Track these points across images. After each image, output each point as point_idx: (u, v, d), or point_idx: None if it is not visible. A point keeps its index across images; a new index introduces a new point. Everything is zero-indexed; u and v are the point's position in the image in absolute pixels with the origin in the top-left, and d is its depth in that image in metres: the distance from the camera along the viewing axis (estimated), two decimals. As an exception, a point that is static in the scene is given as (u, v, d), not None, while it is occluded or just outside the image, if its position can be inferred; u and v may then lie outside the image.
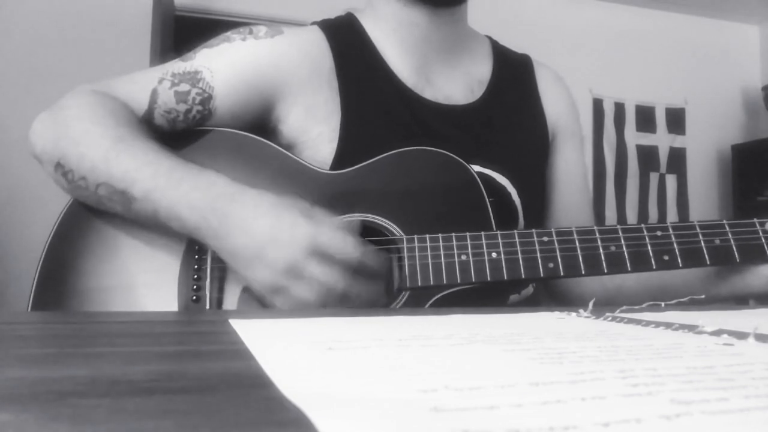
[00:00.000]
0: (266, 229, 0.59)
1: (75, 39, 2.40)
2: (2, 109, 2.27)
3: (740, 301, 0.75)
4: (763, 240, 0.66)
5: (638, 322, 0.35)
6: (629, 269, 0.64)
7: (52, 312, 0.64)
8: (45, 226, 0.69)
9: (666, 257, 0.65)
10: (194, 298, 0.66)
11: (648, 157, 3.30)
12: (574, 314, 0.41)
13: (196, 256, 0.67)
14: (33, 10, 2.39)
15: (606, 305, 0.45)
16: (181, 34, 2.57)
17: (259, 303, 0.64)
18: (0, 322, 0.41)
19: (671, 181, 3.33)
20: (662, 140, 3.33)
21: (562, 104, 0.89)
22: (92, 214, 0.69)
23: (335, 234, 0.59)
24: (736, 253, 0.65)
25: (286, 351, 0.25)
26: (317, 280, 0.57)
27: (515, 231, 0.66)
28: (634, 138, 3.29)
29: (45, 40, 2.37)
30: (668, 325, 0.32)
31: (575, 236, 0.65)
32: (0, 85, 2.31)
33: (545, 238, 0.65)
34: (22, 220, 2.16)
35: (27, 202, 2.13)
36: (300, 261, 0.57)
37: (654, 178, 3.31)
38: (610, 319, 0.38)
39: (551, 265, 0.64)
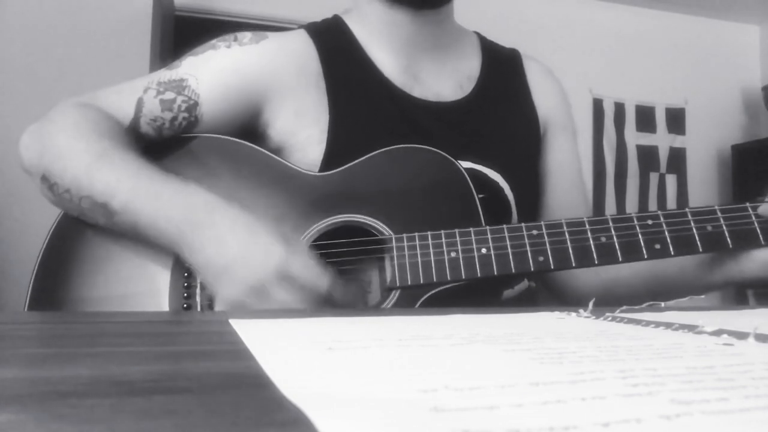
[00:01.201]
0: (240, 245, 0.59)
1: (75, 39, 2.40)
2: (2, 109, 2.27)
3: (739, 295, 0.74)
4: (756, 225, 0.65)
5: (638, 322, 0.35)
6: (620, 259, 0.64)
7: (52, 312, 0.65)
8: (43, 228, 0.70)
9: (657, 246, 0.64)
10: (185, 305, 0.66)
11: (648, 157, 3.30)
12: (574, 314, 0.41)
13: (186, 264, 0.67)
14: (33, 11, 2.39)
15: (603, 297, 0.45)
16: (181, 34, 2.57)
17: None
18: (0, 322, 0.41)
19: (671, 181, 3.33)
20: (662, 140, 3.33)
21: (553, 97, 0.89)
22: (82, 225, 0.69)
23: (307, 263, 0.59)
24: (728, 239, 0.64)
25: (286, 351, 0.25)
26: (281, 306, 0.57)
27: (504, 226, 0.65)
28: (634, 138, 3.29)
29: (45, 40, 2.38)
30: (668, 325, 0.32)
31: (565, 228, 0.64)
32: (0, 85, 2.31)
33: (535, 232, 0.64)
34: (22, 222, 2.16)
35: (26, 203, 2.13)
36: (267, 284, 0.57)
37: (654, 178, 3.31)
38: (610, 319, 0.38)
39: (541, 258, 0.63)
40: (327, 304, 0.59)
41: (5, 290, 2.03)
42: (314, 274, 0.59)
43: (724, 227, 0.64)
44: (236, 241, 0.59)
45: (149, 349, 0.29)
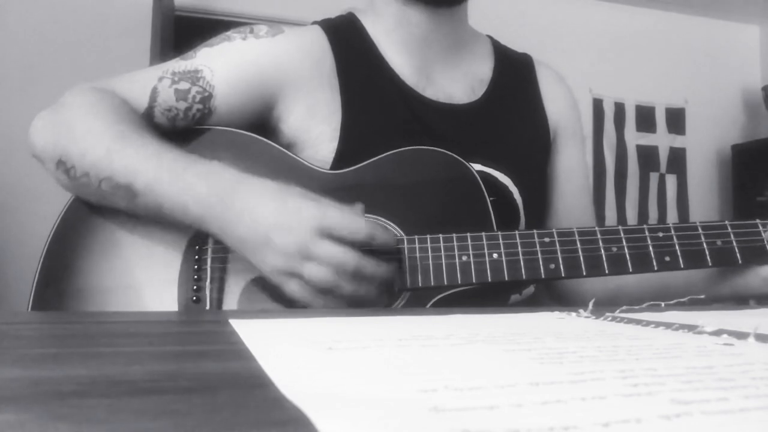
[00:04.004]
0: (272, 214, 0.59)
1: (75, 39, 2.40)
2: (2, 108, 2.27)
3: (741, 301, 0.75)
4: (766, 241, 0.66)
5: (638, 322, 0.35)
6: (630, 270, 0.64)
7: (52, 312, 0.64)
8: (45, 226, 0.69)
9: (667, 258, 0.64)
10: (194, 298, 0.66)
11: (648, 157, 3.30)
12: (574, 314, 0.41)
13: (197, 256, 0.67)
14: (33, 10, 2.39)
15: (607, 306, 0.45)
16: (181, 34, 2.57)
17: (267, 296, 0.64)
18: (0, 322, 0.41)
19: (671, 181, 3.33)
20: (662, 140, 3.33)
21: (564, 104, 0.89)
22: (92, 214, 0.69)
23: (342, 214, 0.59)
24: (738, 254, 0.65)
25: (286, 351, 0.25)
26: (329, 260, 0.57)
27: (516, 231, 0.65)
28: (634, 138, 3.29)
29: (45, 40, 2.37)
30: (668, 325, 0.32)
31: (576, 237, 0.65)
32: (0, 85, 2.31)
33: (546, 239, 0.65)
34: (22, 220, 2.16)
35: (27, 201, 2.13)
36: (309, 243, 0.57)
37: (654, 178, 3.31)
38: (610, 319, 0.38)
39: (552, 266, 0.64)
40: (371, 245, 0.59)
41: (6, 290, 2.03)
42: (351, 220, 0.59)
43: (734, 242, 0.65)
44: (267, 210, 0.59)
45: (149, 349, 0.29)
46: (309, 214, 0.58)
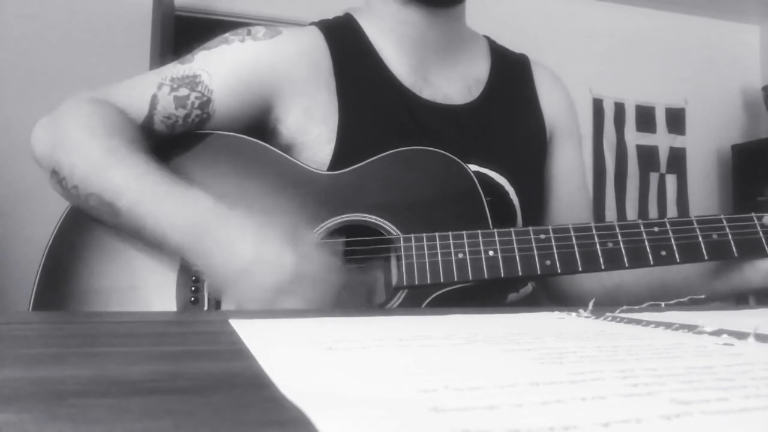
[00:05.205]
0: (251, 250, 0.59)
1: (75, 39, 2.40)
2: (3, 109, 2.27)
3: (740, 298, 0.75)
4: (761, 234, 0.66)
5: (638, 322, 0.35)
6: (626, 265, 0.64)
7: (52, 312, 0.65)
8: (46, 227, 0.70)
9: (663, 252, 0.64)
10: (192, 299, 0.66)
11: (648, 157, 3.30)
12: (574, 314, 0.41)
13: (193, 268, 0.67)
14: (33, 11, 2.39)
15: (606, 305, 0.46)
16: (181, 34, 2.57)
17: None
18: (0, 322, 0.41)
19: (671, 181, 3.33)
20: (662, 140, 3.33)
21: (560, 104, 0.89)
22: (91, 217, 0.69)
23: (320, 263, 0.59)
24: (734, 247, 0.65)
25: (286, 351, 0.25)
26: (306, 296, 0.58)
27: (512, 229, 0.65)
28: (634, 138, 3.29)
29: (45, 40, 2.37)
30: (668, 325, 0.32)
31: (572, 233, 0.65)
32: (0, 85, 2.31)
33: (542, 236, 0.65)
34: (23, 221, 2.16)
35: (27, 202, 2.13)
36: (287, 282, 0.58)
37: (654, 178, 3.31)
38: (610, 319, 0.38)
39: (548, 262, 0.64)
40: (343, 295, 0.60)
41: (6, 290, 2.03)
42: (328, 269, 0.59)
43: (730, 236, 0.65)
44: (246, 246, 0.59)
45: (149, 349, 0.29)
46: (288, 259, 0.58)
